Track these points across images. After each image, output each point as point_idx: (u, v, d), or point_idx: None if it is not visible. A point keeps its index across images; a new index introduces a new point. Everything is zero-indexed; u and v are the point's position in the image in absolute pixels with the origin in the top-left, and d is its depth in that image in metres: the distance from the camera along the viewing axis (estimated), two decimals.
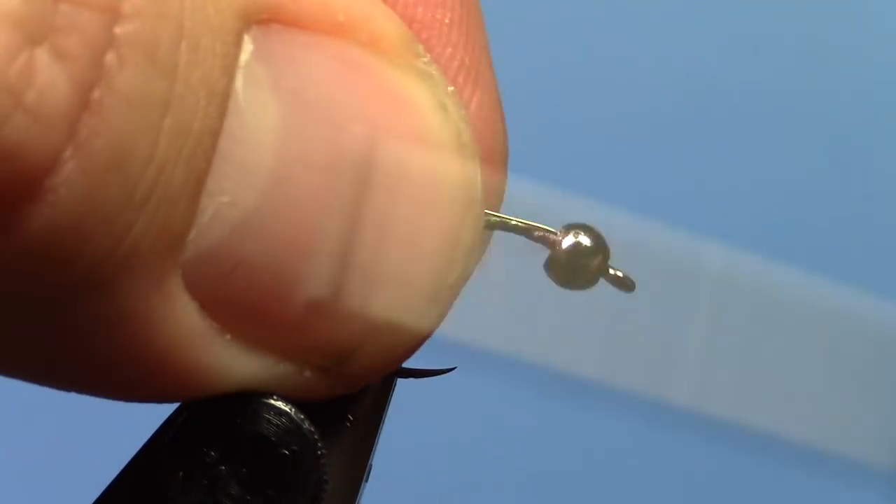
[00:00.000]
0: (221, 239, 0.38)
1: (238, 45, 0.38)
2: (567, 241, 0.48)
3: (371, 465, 0.46)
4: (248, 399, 0.42)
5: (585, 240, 0.48)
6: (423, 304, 0.41)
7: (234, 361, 0.40)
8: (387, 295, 0.40)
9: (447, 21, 0.46)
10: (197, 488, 0.42)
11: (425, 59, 0.42)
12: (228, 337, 0.40)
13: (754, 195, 1.32)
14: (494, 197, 0.47)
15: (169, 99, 0.35)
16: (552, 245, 0.48)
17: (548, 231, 0.47)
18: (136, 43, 0.34)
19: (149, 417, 0.46)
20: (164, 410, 0.45)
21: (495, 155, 0.47)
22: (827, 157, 1.32)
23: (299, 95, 0.39)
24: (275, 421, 0.42)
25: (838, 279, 1.23)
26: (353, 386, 0.43)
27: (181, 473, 0.42)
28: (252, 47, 0.38)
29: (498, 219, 0.47)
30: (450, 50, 0.46)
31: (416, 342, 0.42)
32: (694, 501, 1.31)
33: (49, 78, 0.33)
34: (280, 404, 0.43)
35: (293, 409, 0.43)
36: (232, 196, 0.38)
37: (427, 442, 1.26)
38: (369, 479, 0.46)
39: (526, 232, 0.47)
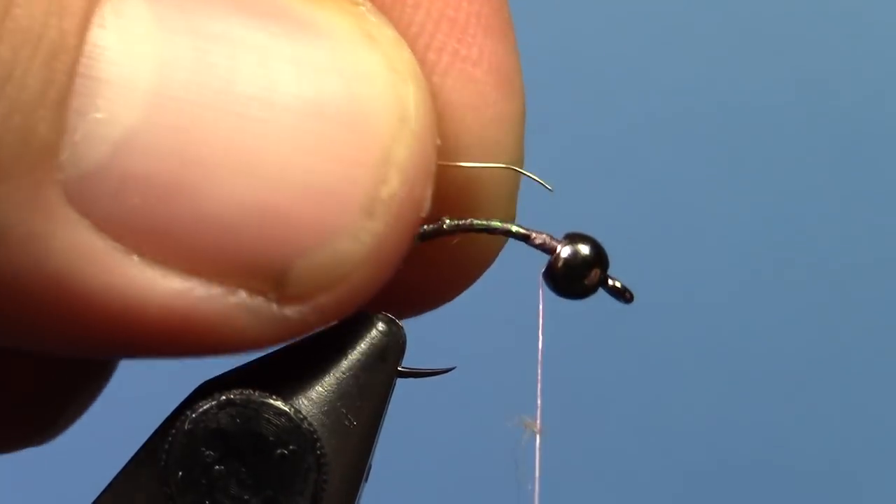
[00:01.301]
0: (103, 156, 0.38)
1: None
2: (566, 251, 0.47)
3: (370, 465, 0.46)
4: (246, 399, 0.42)
5: (585, 250, 0.48)
6: (355, 216, 0.41)
7: (150, 283, 0.40)
8: (307, 207, 0.41)
9: None
10: (196, 488, 0.42)
11: (362, 6, 0.43)
12: (136, 258, 0.39)
13: (755, 195, 1.32)
14: (512, 139, 0.47)
15: (8, 4, 0.36)
16: (551, 254, 0.47)
17: (548, 237, 0.47)
18: None
19: (149, 417, 0.46)
20: (163, 409, 0.45)
21: (485, 125, 0.46)
22: (828, 159, 1.32)
23: (188, 28, 0.40)
24: (274, 421, 0.42)
25: (838, 278, 1.23)
26: (311, 313, 0.42)
27: (180, 473, 0.42)
28: None
29: (481, 221, 0.47)
30: (430, 24, 0.46)
31: (359, 260, 0.42)
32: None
33: None
34: (279, 404, 0.43)
35: (292, 409, 0.43)
36: (107, 113, 0.38)
37: (426, 442, 1.26)
38: (369, 479, 0.46)
39: (525, 238, 0.47)
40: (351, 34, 0.42)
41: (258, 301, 0.41)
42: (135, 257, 0.39)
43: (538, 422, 0.49)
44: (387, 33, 0.43)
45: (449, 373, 0.50)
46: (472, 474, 1.28)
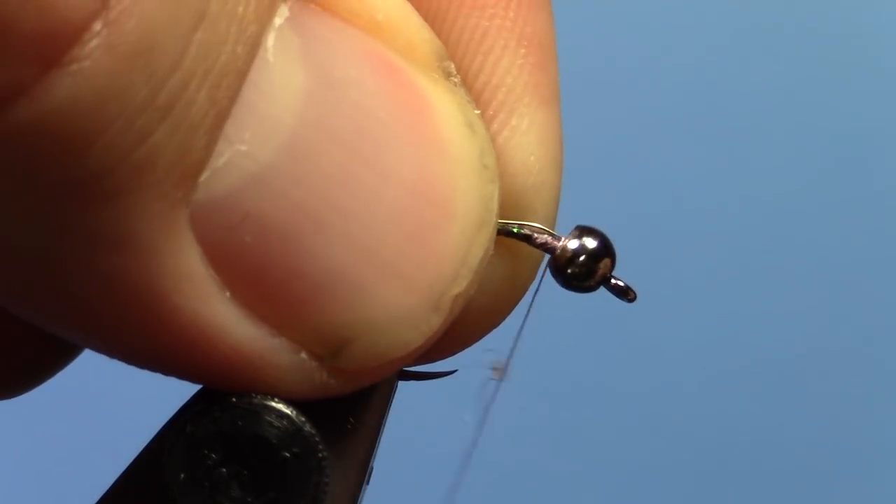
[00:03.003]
0: (233, 187, 0.38)
1: (274, 4, 0.39)
2: (572, 244, 0.47)
3: (372, 468, 0.46)
4: (249, 401, 0.42)
5: (591, 243, 0.48)
6: (424, 309, 0.42)
7: (231, 320, 0.40)
8: (389, 288, 0.41)
9: (526, 44, 0.46)
10: (199, 490, 0.42)
11: (456, 79, 0.43)
12: (228, 294, 0.40)
13: (755, 195, 1.32)
14: (550, 226, 0.48)
15: (203, 11, 0.36)
16: (556, 246, 0.47)
17: (550, 234, 0.47)
18: None
19: (152, 418, 0.46)
20: (168, 410, 0.45)
21: (547, 182, 0.47)
22: (829, 158, 1.32)
23: (327, 71, 0.40)
24: (276, 423, 0.43)
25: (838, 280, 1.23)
26: (350, 385, 0.43)
27: (183, 475, 0.42)
28: (287, 13, 0.39)
29: (503, 227, 0.47)
30: (527, 69, 0.46)
31: (411, 348, 0.42)
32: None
33: None
34: (281, 407, 0.43)
35: (294, 412, 0.43)
36: (249, 146, 0.38)
37: (428, 444, 1.26)
38: (370, 482, 0.47)
39: (527, 238, 0.47)
40: (456, 119, 0.42)
41: (314, 364, 0.42)
42: (227, 293, 0.40)
43: (506, 367, 0.50)
44: (479, 120, 0.43)
45: (451, 375, 0.50)
46: (472, 477, 1.28)
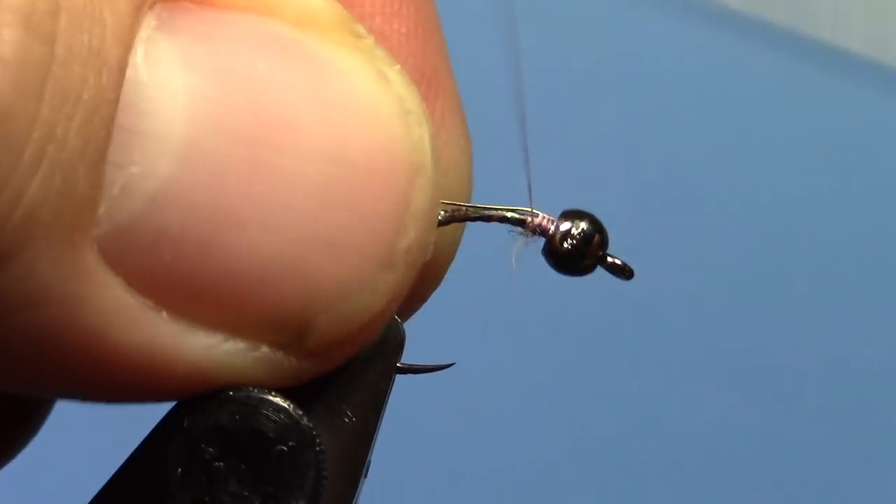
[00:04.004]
0: (137, 210, 0.38)
1: (135, 17, 0.38)
2: (565, 225, 0.47)
3: (370, 461, 0.46)
4: (246, 395, 0.42)
5: (583, 223, 0.47)
6: (376, 269, 0.41)
7: (177, 339, 0.39)
8: (333, 262, 0.40)
9: (403, 31, 0.46)
10: (196, 484, 0.42)
11: (367, 39, 0.42)
12: (165, 314, 0.39)
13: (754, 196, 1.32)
14: (462, 201, 0.47)
15: (49, 63, 0.35)
16: (548, 231, 0.47)
17: (544, 217, 0.47)
18: (10, 8, 0.35)
19: (148, 413, 0.46)
20: (162, 406, 0.45)
21: (459, 162, 0.47)
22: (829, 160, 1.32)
23: (210, 67, 0.39)
24: (273, 417, 0.42)
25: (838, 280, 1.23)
26: (327, 363, 0.42)
27: (180, 469, 0.42)
28: (155, 22, 0.38)
29: (475, 209, 0.47)
30: (410, 59, 0.46)
31: (375, 310, 0.42)
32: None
33: None
34: (278, 400, 0.43)
35: (291, 406, 0.43)
36: (142, 167, 0.38)
37: (426, 438, 1.26)
38: (368, 475, 0.46)
39: (521, 223, 0.47)
40: (364, 73, 0.41)
41: (279, 355, 0.41)
42: (164, 313, 0.39)
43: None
44: (395, 70, 0.42)
45: (448, 368, 0.50)
46: (472, 472, 1.28)
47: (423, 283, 0.46)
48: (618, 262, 0.48)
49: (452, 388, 1.20)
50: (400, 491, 1.24)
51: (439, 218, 0.47)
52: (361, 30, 0.42)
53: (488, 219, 0.48)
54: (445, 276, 0.49)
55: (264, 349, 0.41)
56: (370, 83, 0.41)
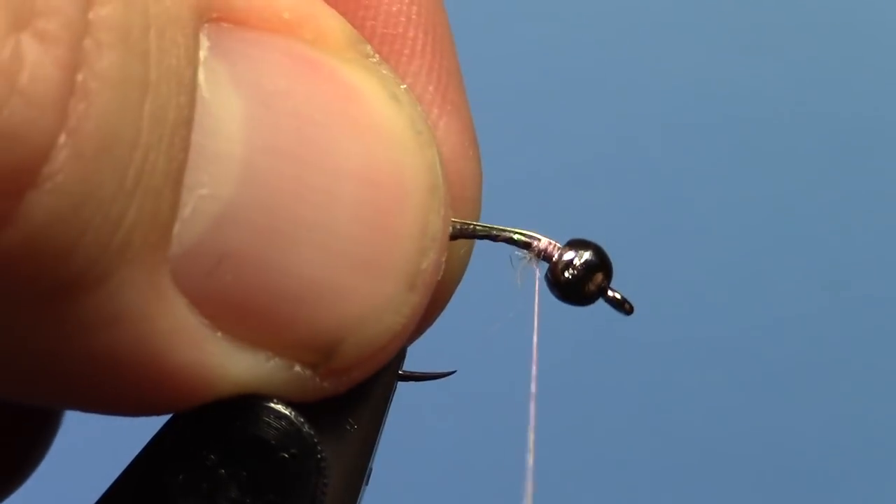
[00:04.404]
0: (204, 232, 0.39)
1: (196, 38, 0.38)
2: (567, 256, 0.47)
3: (371, 469, 0.46)
4: (248, 402, 0.42)
5: (587, 254, 0.47)
6: (401, 291, 0.42)
7: (227, 359, 0.40)
8: (365, 283, 0.41)
9: (418, 47, 0.47)
10: (197, 492, 0.42)
11: (374, 58, 0.43)
12: (220, 334, 0.40)
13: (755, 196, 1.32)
14: (471, 219, 0.47)
15: (146, 83, 0.36)
16: (552, 259, 0.47)
17: (550, 243, 0.47)
18: (110, 27, 0.35)
19: (150, 420, 0.46)
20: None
21: (466, 179, 0.47)
22: (828, 159, 1.32)
23: (258, 88, 0.40)
24: (275, 424, 0.42)
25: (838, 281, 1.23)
26: (345, 383, 0.43)
27: (181, 476, 0.42)
28: (209, 43, 0.39)
29: (483, 227, 0.47)
30: (421, 78, 0.47)
31: (397, 333, 0.42)
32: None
33: (37, 59, 0.33)
34: (280, 408, 0.43)
35: (293, 413, 0.43)
36: (210, 189, 0.38)
37: (426, 445, 1.26)
38: (369, 483, 0.46)
39: (526, 246, 0.47)
40: (380, 95, 0.42)
41: (307, 373, 0.42)
42: (219, 333, 0.40)
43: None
44: (403, 91, 0.43)
45: (450, 376, 0.50)
46: (472, 479, 1.28)
47: (433, 303, 0.47)
48: (618, 296, 0.48)
49: (453, 396, 1.20)
50: (401, 498, 1.24)
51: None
52: (369, 49, 0.43)
53: (495, 238, 0.48)
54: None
55: (297, 368, 0.42)
56: (385, 105, 0.42)
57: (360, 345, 0.42)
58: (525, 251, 0.48)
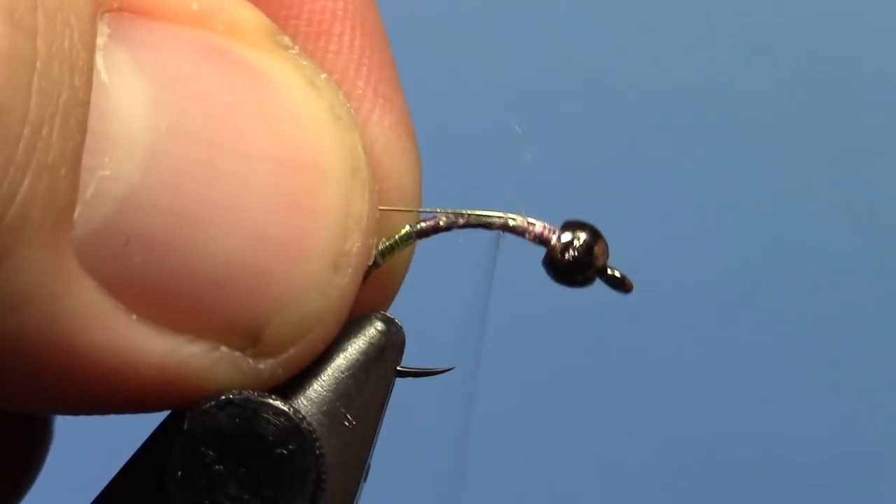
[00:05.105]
0: (109, 214, 0.39)
1: (92, 23, 0.39)
2: (566, 236, 0.47)
3: (369, 465, 0.46)
4: (246, 398, 0.42)
5: (584, 234, 0.47)
6: (324, 272, 0.42)
7: (144, 342, 0.40)
8: (285, 264, 0.41)
9: (345, 43, 0.47)
10: (195, 488, 0.42)
11: (293, 49, 0.43)
12: (135, 317, 0.40)
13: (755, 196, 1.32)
14: (409, 204, 0.48)
15: (34, 59, 0.36)
16: (549, 243, 0.47)
17: (546, 227, 0.47)
18: None
19: (148, 417, 0.46)
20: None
21: (403, 171, 0.47)
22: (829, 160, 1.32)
23: (163, 74, 0.40)
24: (273, 420, 0.42)
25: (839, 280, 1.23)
26: (285, 367, 0.43)
27: (180, 473, 0.42)
28: (108, 30, 0.39)
29: (476, 216, 0.47)
30: (351, 71, 0.47)
31: (326, 314, 0.43)
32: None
33: None
34: (278, 404, 0.43)
35: (291, 409, 0.43)
36: (112, 170, 0.39)
37: (426, 442, 1.26)
38: (368, 479, 0.46)
39: (522, 232, 0.47)
40: (297, 81, 0.42)
41: (237, 355, 0.42)
42: (133, 316, 0.40)
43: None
44: (323, 79, 0.43)
45: (448, 372, 0.50)
46: (471, 474, 1.28)
47: (383, 287, 0.47)
48: (617, 274, 0.48)
49: (451, 392, 1.20)
50: (399, 494, 1.24)
51: (440, 224, 0.47)
52: (286, 40, 0.43)
53: (489, 226, 0.48)
54: (402, 283, 0.50)
55: (223, 350, 0.42)
56: (301, 90, 0.42)
57: (286, 327, 0.42)
58: (521, 237, 0.48)
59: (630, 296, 0.48)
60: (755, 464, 1.31)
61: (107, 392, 0.41)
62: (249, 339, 0.42)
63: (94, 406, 0.42)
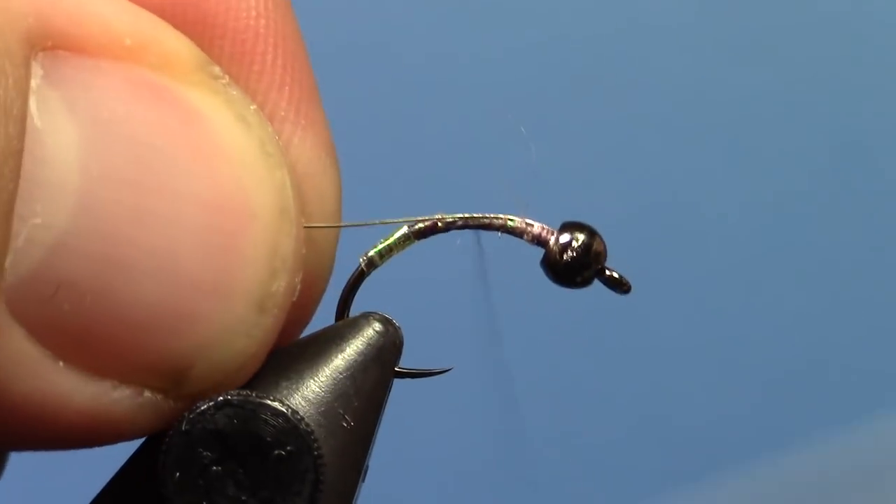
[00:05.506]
0: (39, 262, 0.38)
1: (27, 68, 0.38)
2: (564, 237, 0.47)
3: (368, 466, 0.46)
4: (245, 399, 0.42)
5: (582, 235, 0.47)
6: (250, 313, 0.42)
7: (71, 388, 0.40)
8: (211, 306, 0.41)
9: (267, 63, 0.47)
10: (193, 489, 0.42)
11: (223, 80, 0.43)
12: (62, 364, 0.40)
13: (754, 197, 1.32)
14: (329, 230, 0.47)
15: None
16: (547, 244, 0.47)
17: (543, 228, 0.47)
18: None
19: None
20: None
21: (324, 195, 0.47)
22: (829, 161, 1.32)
23: (95, 116, 0.40)
24: (271, 421, 0.42)
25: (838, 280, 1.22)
26: (189, 406, 0.43)
27: (177, 474, 0.42)
28: (42, 72, 0.39)
29: (475, 218, 0.47)
30: (274, 92, 0.47)
31: (248, 354, 0.42)
32: None
33: None
34: (276, 405, 0.43)
35: (289, 410, 0.43)
36: (43, 218, 0.38)
37: (423, 442, 1.26)
38: (366, 479, 0.46)
39: (519, 233, 0.47)
40: (226, 118, 0.42)
41: (159, 399, 0.42)
42: (60, 363, 0.40)
43: None
44: (253, 112, 0.43)
45: (446, 373, 0.50)
46: (467, 475, 1.28)
47: (302, 308, 0.47)
48: (616, 275, 0.48)
49: (450, 393, 1.20)
50: (397, 495, 1.24)
51: (438, 226, 0.47)
52: (217, 70, 0.43)
53: (487, 227, 0.48)
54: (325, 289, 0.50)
55: (147, 394, 0.42)
56: (232, 127, 0.42)
57: (210, 369, 0.42)
58: (519, 238, 0.48)
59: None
60: (755, 463, 1.31)
61: (35, 435, 0.41)
62: (173, 381, 0.42)
63: (24, 446, 0.42)
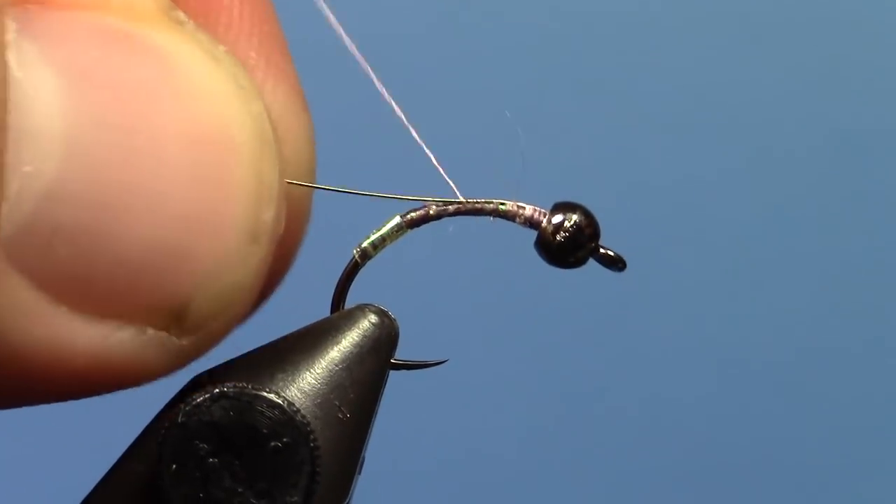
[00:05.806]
0: (33, 209, 0.39)
1: (2, 24, 0.39)
2: (557, 217, 0.47)
3: (364, 457, 0.46)
4: (240, 391, 0.42)
5: (575, 215, 0.47)
6: (243, 243, 0.42)
7: (75, 332, 0.41)
8: (204, 240, 0.42)
9: (234, 15, 0.47)
10: (190, 481, 0.42)
11: (188, 24, 0.43)
12: (65, 308, 0.40)
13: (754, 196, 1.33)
14: (305, 178, 0.48)
15: None
16: (540, 225, 0.47)
17: (535, 210, 0.47)
18: None
19: (142, 410, 0.46)
20: (157, 403, 0.45)
21: (298, 139, 0.48)
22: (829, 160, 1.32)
23: (72, 64, 0.40)
24: (267, 413, 0.42)
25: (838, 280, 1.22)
26: (205, 341, 0.43)
27: (174, 466, 0.42)
28: (16, 25, 0.40)
29: (467, 202, 0.47)
30: (243, 42, 0.47)
31: (247, 286, 0.43)
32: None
33: None
34: (272, 397, 0.43)
35: (286, 402, 0.43)
36: (33, 166, 0.39)
37: (420, 434, 1.26)
38: (362, 471, 0.46)
39: (512, 216, 0.47)
40: (196, 56, 0.43)
41: (162, 336, 0.42)
42: (63, 308, 0.40)
43: None
44: (222, 50, 0.43)
45: (441, 365, 0.50)
46: (465, 467, 1.28)
47: (280, 260, 0.47)
48: (610, 253, 0.48)
49: (446, 385, 1.20)
50: (394, 486, 1.24)
51: (430, 213, 0.47)
52: (181, 16, 0.43)
53: (480, 212, 0.48)
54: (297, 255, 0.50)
55: (150, 332, 0.42)
56: (202, 65, 0.42)
57: (209, 302, 0.42)
58: (512, 221, 0.48)
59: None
60: (754, 463, 1.31)
61: (42, 383, 0.41)
62: (174, 317, 0.42)
63: (31, 397, 0.42)
